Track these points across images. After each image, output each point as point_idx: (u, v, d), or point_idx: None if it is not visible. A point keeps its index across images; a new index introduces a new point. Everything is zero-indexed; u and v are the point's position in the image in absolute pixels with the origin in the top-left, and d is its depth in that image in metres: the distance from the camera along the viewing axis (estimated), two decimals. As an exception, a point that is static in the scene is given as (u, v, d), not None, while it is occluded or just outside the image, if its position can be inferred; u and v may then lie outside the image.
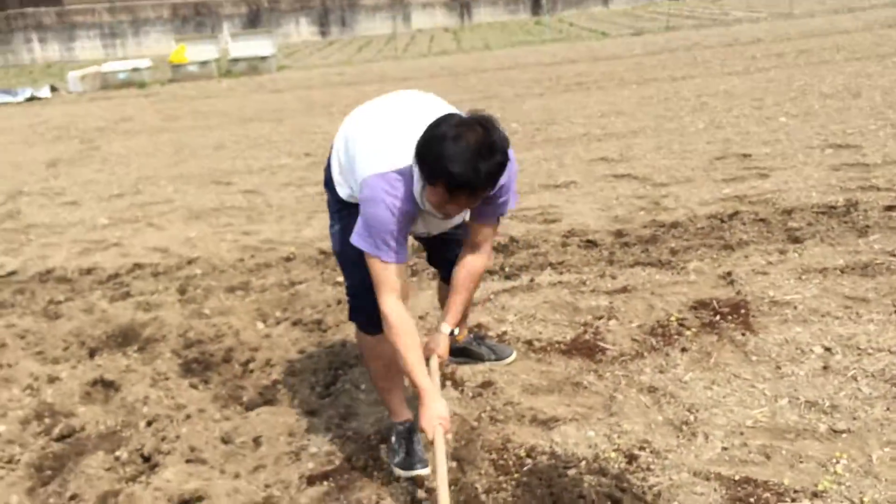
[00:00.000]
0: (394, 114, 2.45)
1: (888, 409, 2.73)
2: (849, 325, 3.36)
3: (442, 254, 2.90)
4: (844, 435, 2.62)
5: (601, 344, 3.42)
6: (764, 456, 2.55)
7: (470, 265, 2.61)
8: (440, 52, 20.47)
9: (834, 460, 2.50)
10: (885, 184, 5.25)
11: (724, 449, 2.61)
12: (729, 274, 4.02)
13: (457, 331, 2.67)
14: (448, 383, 3.19)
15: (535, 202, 5.73)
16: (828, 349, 3.17)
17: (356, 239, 2.35)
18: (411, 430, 2.68)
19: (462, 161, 2.07)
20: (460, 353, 3.30)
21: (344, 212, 2.58)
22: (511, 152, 2.33)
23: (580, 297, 3.94)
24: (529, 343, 3.48)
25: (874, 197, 5.01)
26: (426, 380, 2.36)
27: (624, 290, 3.97)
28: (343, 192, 2.54)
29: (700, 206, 5.23)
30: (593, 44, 18.73)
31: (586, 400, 3.00)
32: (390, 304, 2.36)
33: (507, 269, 4.44)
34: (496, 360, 3.29)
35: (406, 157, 2.26)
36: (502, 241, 4.91)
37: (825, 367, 3.04)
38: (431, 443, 2.30)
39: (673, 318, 3.57)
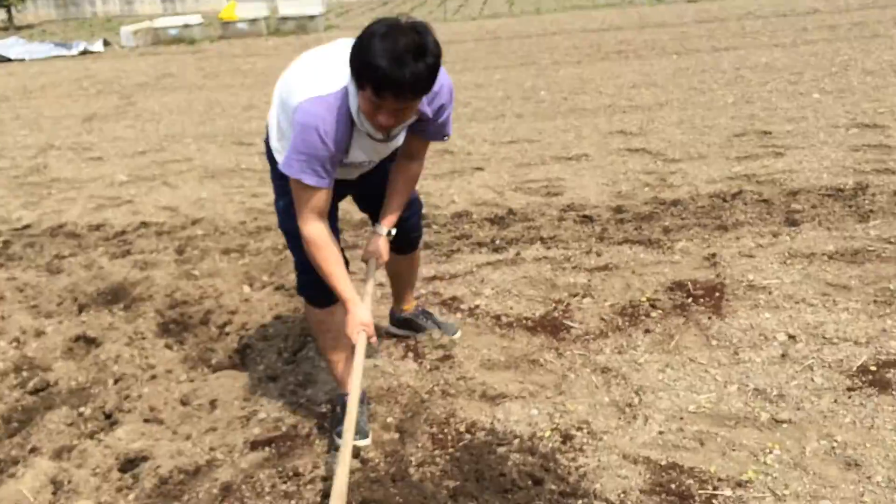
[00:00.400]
0: (328, 52, 2.44)
1: (835, 401, 2.69)
2: (821, 313, 3.30)
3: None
4: (785, 425, 2.60)
5: (567, 322, 3.43)
6: (698, 442, 2.56)
7: (406, 169, 2.70)
8: (491, 15, 20.21)
9: (767, 450, 2.49)
10: (903, 167, 5.08)
11: (660, 433, 2.62)
12: (713, 255, 3.97)
13: (394, 231, 2.74)
14: (410, 355, 3.26)
15: (542, 174, 5.70)
16: (792, 337, 3.13)
17: (284, 165, 2.36)
18: (357, 401, 2.75)
19: (389, 58, 2.06)
20: (405, 324, 3.35)
21: (288, 186, 2.52)
22: (447, 78, 2.41)
23: (561, 273, 3.94)
24: (497, 318, 3.51)
25: (887, 180, 4.85)
26: (349, 289, 2.44)
27: (605, 267, 3.96)
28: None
29: (706, 185, 5.14)
30: (645, 10, 18.24)
31: (539, 378, 3.03)
32: (311, 223, 2.40)
33: (496, 242, 4.45)
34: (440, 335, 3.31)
35: (342, 79, 2.28)
36: (499, 213, 4.92)
37: (783, 356, 3.00)
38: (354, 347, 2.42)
39: (644, 299, 3.56)
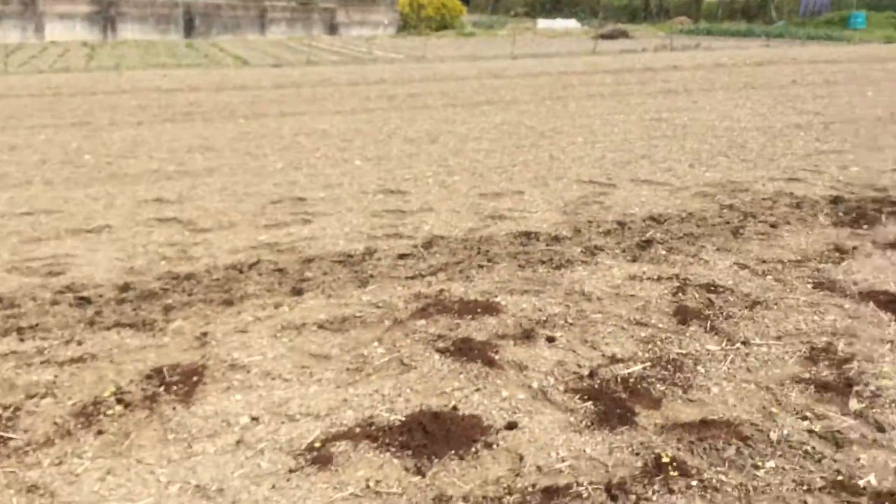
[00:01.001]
0: None
1: (273, 486, 2.59)
2: (294, 388, 3.25)
3: None
4: (217, 526, 2.42)
5: (6, 434, 2.92)
6: (113, 566, 2.25)
7: None
8: (62, 69, 18.59)
9: (188, 561, 2.27)
10: (411, 231, 5.46)
11: (70, 563, 2.26)
12: (206, 335, 3.76)
13: None
14: None
15: (50, 251, 5.07)
16: (255, 419, 3.01)
17: None
18: None
19: None
20: None
21: None
22: None
23: (26, 370, 3.41)
24: (-86, 438, 2.87)
25: (394, 245, 5.16)
26: None
27: (80, 359, 3.52)
28: None
29: (228, 255, 4.98)
30: (230, 72, 18.28)
31: (-57, 512, 2.48)
32: None
33: (-41, 338, 3.75)
34: None
35: None
36: (-23, 301, 4.20)
37: (239, 442, 2.85)
38: None
39: (108, 394, 3.20)
